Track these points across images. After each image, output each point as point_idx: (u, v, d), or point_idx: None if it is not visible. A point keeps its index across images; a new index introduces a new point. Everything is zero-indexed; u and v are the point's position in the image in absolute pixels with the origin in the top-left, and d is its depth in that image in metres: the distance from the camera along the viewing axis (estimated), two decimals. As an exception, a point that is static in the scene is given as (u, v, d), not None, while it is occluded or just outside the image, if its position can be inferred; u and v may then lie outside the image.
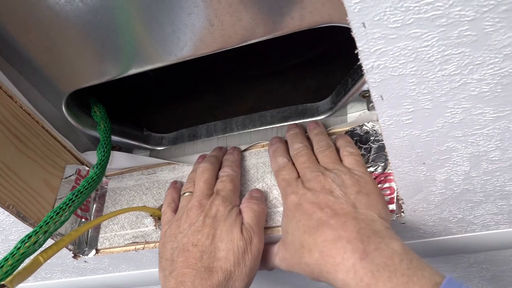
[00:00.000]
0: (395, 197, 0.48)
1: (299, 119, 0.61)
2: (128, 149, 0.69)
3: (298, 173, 0.53)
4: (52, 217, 0.46)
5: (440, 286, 0.37)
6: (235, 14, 0.46)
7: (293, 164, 0.54)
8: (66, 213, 0.47)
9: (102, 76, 0.55)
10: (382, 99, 0.36)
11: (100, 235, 0.62)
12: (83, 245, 0.62)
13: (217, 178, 0.56)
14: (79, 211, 0.63)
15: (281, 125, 0.62)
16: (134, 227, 0.60)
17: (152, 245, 0.58)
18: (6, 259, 0.42)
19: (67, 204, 0.48)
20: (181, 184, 0.61)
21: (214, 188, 0.54)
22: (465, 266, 0.60)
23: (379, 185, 0.51)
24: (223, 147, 0.63)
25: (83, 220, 0.63)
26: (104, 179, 0.68)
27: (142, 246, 0.58)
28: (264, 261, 0.52)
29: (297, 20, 0.47)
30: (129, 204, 0.63)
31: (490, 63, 0.32)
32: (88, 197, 0.64)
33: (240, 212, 0.53)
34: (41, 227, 0.45)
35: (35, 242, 0.44)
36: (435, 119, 0.37)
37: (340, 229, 0.44)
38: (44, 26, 0.49)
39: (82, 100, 0.64)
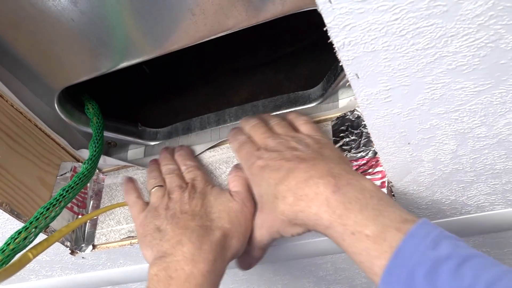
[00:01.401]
0: (386, 181, 0.47)
1: (291, 107, 0.60)
2: (123, 145, 0.69)
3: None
4: (42, 213, 0.47)
5: (415, 223, 0.38)
6: (216, 2, 0.46)
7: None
8: (57, 209, 0.48)
9: (91, 71, 0.55)
10: (358, 77, 0.35)
11: (96, 231, 0.62)
12: (80, 241, 0.62)
13: None
14: (76, 208, 0.63)
15: (273, 114, 0.61)
16: (130, 221, 0.60)
17: (147, 239, 0.58)
18: None
19: (58, 200, 0.48)
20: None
21: (185, 180, 0.56)
22: (464, 250, 0.58)
23: (370, 170, 0.50)
24: (169, 147, 0.64)
25: (80, 216, 0.63)
26: (101, 175, 0.68)
27: (137, 240, 0.58)
28: (252, 242, 0.52)
29: (279, 5, 0.46)
30: (126, 199, 0.63)
31: (464, 34, 0.31)
32: (84, 193, 0.65)
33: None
34: (31, 223, 0.45)
35: (25, 238, 0.44)
36: (414, 96, 0.36)
37: (311, 170, 0.45)
38: (29, 24, 0.49)
39: (75, 98, 0.64)
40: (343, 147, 0.53)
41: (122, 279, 0.68)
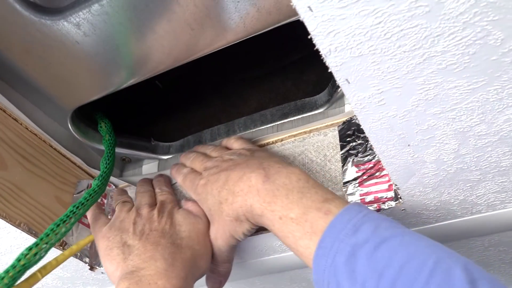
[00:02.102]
0: (393, 183, 0.47)
1: (298, 115, 0.60)
2: (138, 160, 0.70)
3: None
4: (53, 229, 0.48)
5: (341, 210, 0.41)
6: (213, 16, 0.47)
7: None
8: (67, 225, 0.49)
9: (100, 90, 0.57)
10: (348, 82, 0.35)
11: (114, 246, 0.63)
12: (98, 256, 0.63)
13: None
14: (95, 225, 0.65)
15: (281, 122, 0.61)
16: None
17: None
18: (7, 271, 0.44)
19: (69, 216, 0.49)
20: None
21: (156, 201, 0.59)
22: (481, 250, 0.57)
23: (377, 173, 0.50)
24: (147, 178, 0.66)
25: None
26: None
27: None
28: (214, 258, 0.54)
29: (275, 15, 0.47)
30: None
31: (450, 33, 0.31)
32: (102, 210, 0.66)
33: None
34: (41, 239, 0.47)
35: (36, 253, 0.45)
36: (408, 97, 0.36)
37: (244, 168, 0.49)
38: (37, 49, 0.51)
39: (89, 117, 0.66)
40: (350, 151, 0.53)
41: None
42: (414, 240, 0.37)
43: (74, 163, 0.65)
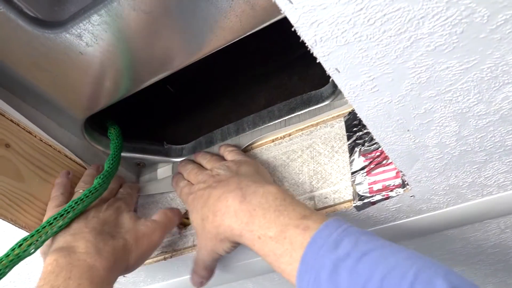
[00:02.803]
0: (398, 170, 0.47)
1: (305, 108, 0.60)
2: (152, 165, 0.71)
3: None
4: (50, 222, 0.50)
5: (321, 225, 0.42)
6: (207, 20, 0.47)
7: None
8: (65, 219, 0.51)
9: (109, 98, 0.58)
10: (339, 71, 0.35)
11: (133, 250, 0.64)
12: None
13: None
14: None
15: (289, 117, 0.61)
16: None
17: (179, 252, 0.60)
18: (1, 260, 0.45)
19: (67, 211, 0.51)
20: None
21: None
22: (497, 232, 0.56)
23: (384, 162, 0.49)
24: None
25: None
26: (134, 197, 0.71)
27: (170, 254, 0.60)
28: (197, 262, 0.55)
29: (270, 10, 0.47)
30: (158, 217, 0.65)
31: (435, 14, 0.31)
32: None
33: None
34: (38, 231, 0.49)
35: (30, 244, 0.47)
36: (400, 82, 0.35)
37: (224, 187, 0.50)
38: (43, 62, 0.53)
39: (102, 125, 0.67)
40: (357, 141, 0.53)
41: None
42: (394, 252, 0.38)
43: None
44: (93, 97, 0.58)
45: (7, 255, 0.46)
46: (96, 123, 0.66)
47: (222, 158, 0.61)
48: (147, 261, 0.62)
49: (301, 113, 0.60)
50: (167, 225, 0.58)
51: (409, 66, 0.34)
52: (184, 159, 0.67)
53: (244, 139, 0.64)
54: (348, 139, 0.54)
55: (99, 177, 0.56)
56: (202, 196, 0.52)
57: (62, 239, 0.50)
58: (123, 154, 0.68)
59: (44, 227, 0.49)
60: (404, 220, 0.52)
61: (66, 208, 0.51)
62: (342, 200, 0.51)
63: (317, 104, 0.60)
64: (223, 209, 0.48)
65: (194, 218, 0.54)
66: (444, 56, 0.33)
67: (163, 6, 0.46)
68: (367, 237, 0.40)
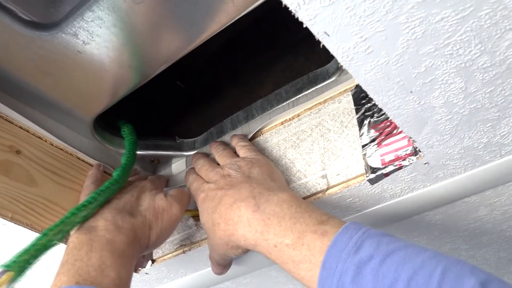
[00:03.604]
0: (408, 137, 0.45)
1: (312, 87, 0.59)
2: (167, 160, 0.71)
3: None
4: (74, 213, 0.50)
5: (339, 229, 0.41)
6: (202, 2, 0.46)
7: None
8: (89, 209, 0.52)
9: (114, 95, 0.57)
10: (328, 35, 0.34)
11: (154, 246, 0.64)
12: (141, 258, 0.64)
13: None
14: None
15: (296, 98, 0.60)
16: (180, 231, 0.62)
17: (197, 244, 0.59)
18: (27, 250, 0.46)
19: (90, 202, 0.52)
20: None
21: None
22: (522, 195, 0.53)
23: (394, 131, 0.48)
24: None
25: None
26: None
27: (188, 247, 0.60)
28: (211, 259, 0.56)
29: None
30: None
31: (420, -40, 0.29)
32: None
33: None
34: (62, 221, 0.49)
35: (56, 234, 0.48)
36: (395, 40, 0.34)
37: (236, 194, 0.49)
38: (43, 66, 0.53)
39: (113, 125, 0.67)
40: (365, 113, 0.51)
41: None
42: (418, 252, 0.37)
43: (105, 171, 0.66)
44: (98, 95, 0.58)
45: (33, 245, 0.47)
46: (108, 124, 0.66)
47: (234, 152, 0.60)
48: (167, 256, 0.62)
49: (308, 92, 0.59)
50: (184, 199, 0.58)
51: (401, 21, 0.32)
52: (196, 152, 0.66)
53: (253, 125, 0.63)
54: (357, 112, 0.52)
55: (118, 169, 0.57)
56: (213, 199, 0.52)
57: (87, 222, 0.51)
58: (137, 152, 0.68)
59: (68, 217, 0.50)
60: (422, 190, 0.50)
61: (89, 200, 0.52)
62: (354, 175, 0.49)
63: (323, 81, 0.58)
64: (235, 218, 0.48)
65: (204, 220, 0.53)
66: (437, 5, 0.31)
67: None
68: (388, 238, 0.39)
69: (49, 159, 0.59)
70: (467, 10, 0.32)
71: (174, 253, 0.61)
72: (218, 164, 0.58)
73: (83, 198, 0.57)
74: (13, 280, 0.45)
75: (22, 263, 0.45)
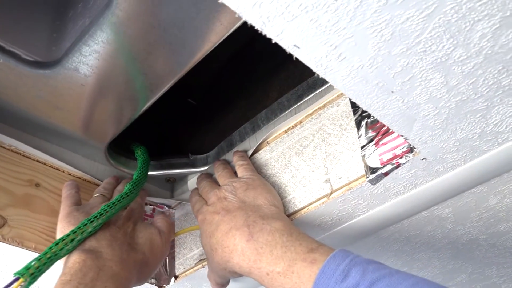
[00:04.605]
0: (400, 135, 0.45)
1: (311, 93, 0.60)
2: (183, 177, 0.73)
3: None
4: (85, 223, 0.52)
5: (328, 257, 0.43)
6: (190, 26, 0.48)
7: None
8: (99, 220, 0.53)
9: (123, 120, 0.60)
10: (298, 47, 0.34)
11: (176, 262, 0.66)
12: (164, 275, 0.66)
13: None
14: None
15: (298, 105, 0.61)
16: (199, 245, 0.64)
17: (215, 257, 0.60)
18: (40, 258, 0.48)
19: (101, 214, 0.54)
20: None
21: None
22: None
23: (390, 130, 0.48)
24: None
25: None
26: (171, 211, 0.73)
27: (207, 262, 0.61)
28: (210, 280, 0.58)
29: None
30: (195, 227, 0.66)
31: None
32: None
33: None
34: (74, 232, 0.51)
35: (67, 243, 0.50)
36: (365, 44, 0.34)
37: (231, 222, 0.52)
38: (53, 101, 0.56)
39: (128, 149, 0.70)
40: (362, 114, 0.51)
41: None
42: (403, 279, 0.38)
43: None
44: (107, 123, 0.60)
45: (45, 253, 0.49)
46: (123, 148, 0.69)
47: (233, 171, 0.63)
48: (188, 271, 0.64)
49: (309, 98, 0.60)
50: (172, 234, 0.62)
51: (367, 26, 0.33)
52: (201, 174, 0.68)
53: (259, 136, 0.64)
54: (354, 114, 0.52)
55: (129, 184, 0.58)
56: (211, 224, 0.54)
57: (88, 242, 0.52)
58: (152, 173, 0.70)
59: (80, 228, 0.52)
60: (426, 185, 0.49)
61: (100, 212, 0.54)
62: (356, 177, 0.50)
63: (322, 86, 0.59)
64: (230, 246, 0.50)
65: (204, 243, 0.56)
66: (400, 7, 0.32)
67: (148, 25, 0.47)
68: (374, 266, 0.41)
69: (68, 188, 0.62)
70: (431, 7, 0.32)
71: (195, 268, 0.63)
72: (219, 184, 0.61)
73: (66, 209, 0.58)
74: (25, 287, 0.47)
75: (34, 270, 0.47)
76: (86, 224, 0.52)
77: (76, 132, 0.61)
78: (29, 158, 0.60)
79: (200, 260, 0.63)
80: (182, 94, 0.80)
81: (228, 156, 0.68)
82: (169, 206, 0.73)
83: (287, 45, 0.34)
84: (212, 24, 0.48)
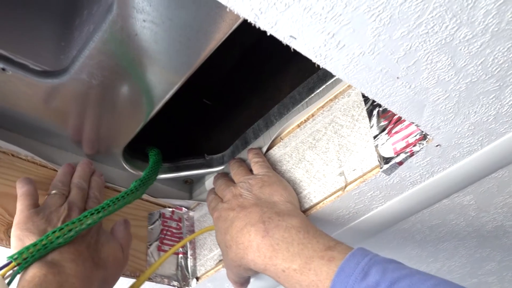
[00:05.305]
0: (411, 122, 0.43)
1: (322, 85, 0.58)
2: (199, 179, 0.73)
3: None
4: (86, 216, 0.52)
5: (346, 255, 0.42)
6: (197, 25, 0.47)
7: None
8: (100, 214, 0.53)
9: (137, 122, 0.60)
10: (295, 38, 0.34)
11: (197, 264, 0.66)
12: (187, 277, 0.66)
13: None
14: (180, 249, 0.68)
15: (309, 98, 0.60)
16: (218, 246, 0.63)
17: (235, 257, 0.60)
18: (27, 248, 0.48)
19: (103, 208, 0.53)
20: None
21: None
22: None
23: (402, 118, 0.46)
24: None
25: (180, 255, 0.68)
26: (190, 213, 0.73)
27: (226, 261, 0.61)
28: (228, 278, 0.57)
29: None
30: (214, 227, 0.66)
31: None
32: (180, 233, 0.69)
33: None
34: (73, 222, 0.51)
35: (58, 237, 0.49)
36: (363, 30, 0.33)
37: (246, 218, 0.51)
38: (66, 110, 0.56)
39: (143, 153, 0.70)
40: (373, 103, 0.50)
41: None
42: (424, 280, 0.37)
43: (141, 199, 0.69)
44: (121, 128, 0.60)
45: (41, 240, 0.48)
46: (139, 152, 0.69)
47: (249, 169, 0.62)
48: (209, 272, 0.63)
49: (320, 90, 0.59)
50: (130, 244, 0.60)
51: (364, 10, 0.32)
52: (217, 174, 0.68)
53: (273, 132, 0.64)
54: (366, 103, 0.51)
55: (136, 181, 0.58)
56: (226, 221, 0.54)
57: (51, 254, 0.49)
58: (170, 175, 0.70)
59: (80, 219, 0.51)
60: (443, 173, 0.48)
61: (103, 206, 0.53)
62: (369, 168, 0.48)
63: (332, 77, 0.58)
64: (245, 242, 0.50)
65: (219, 240, 0.55)
66: (396, -12, 0.31)
67: (151, 24, 0.46)
68: (394, 265, 0.40)
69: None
70: (429, -15, 0.31)
71: (216, 269, 0.62)
72: (235, 182, 0.60)
73: (25, 212, 0.53)
74: (16, 271, 0.46)
75: (27, 256, 0.47)
76: (86, 216, 0.51)
77: (92, 139, 0.62)
78: (46, 167, 0.61)
79: (220, 261, 0.62)
80: (196, 95, 0.80)
81: (243, 154, 0.68)
82: (188, 208, 0.73)
83: (283, 37, 0.33)
84: (215, 21, 0.48)
